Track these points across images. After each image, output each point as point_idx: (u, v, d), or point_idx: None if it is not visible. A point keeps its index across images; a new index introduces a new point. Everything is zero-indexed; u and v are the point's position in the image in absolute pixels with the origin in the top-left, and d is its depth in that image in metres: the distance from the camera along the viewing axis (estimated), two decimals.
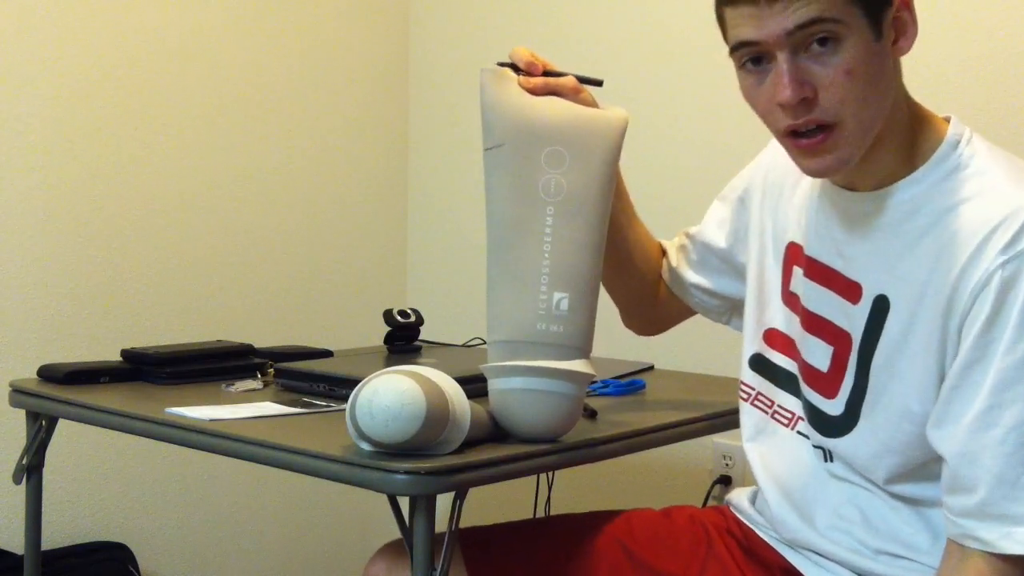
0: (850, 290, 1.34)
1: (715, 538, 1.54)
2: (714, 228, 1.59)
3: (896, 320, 1.28)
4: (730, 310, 1.62)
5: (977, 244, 1.21)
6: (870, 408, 1.32)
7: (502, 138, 1.40)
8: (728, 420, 1.69)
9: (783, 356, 1.45)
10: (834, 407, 1.36)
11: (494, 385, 1.41)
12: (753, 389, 1.50)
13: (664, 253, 1.67)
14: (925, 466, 1.30)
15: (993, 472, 1.19)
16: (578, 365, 1.38)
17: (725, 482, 2.33)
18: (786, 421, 1.45)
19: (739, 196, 1.56)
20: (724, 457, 2.34)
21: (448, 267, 2.85)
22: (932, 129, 1.30)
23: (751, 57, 1.25)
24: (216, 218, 2.55)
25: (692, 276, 1.62)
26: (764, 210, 1.50)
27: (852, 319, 1.33)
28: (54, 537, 2.26)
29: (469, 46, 2.79)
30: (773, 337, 1.47)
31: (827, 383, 1.36)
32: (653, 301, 1.67)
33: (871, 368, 1.31)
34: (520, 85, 1.43)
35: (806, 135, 1.24)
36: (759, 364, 1.49)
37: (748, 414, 1.51)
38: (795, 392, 1.44)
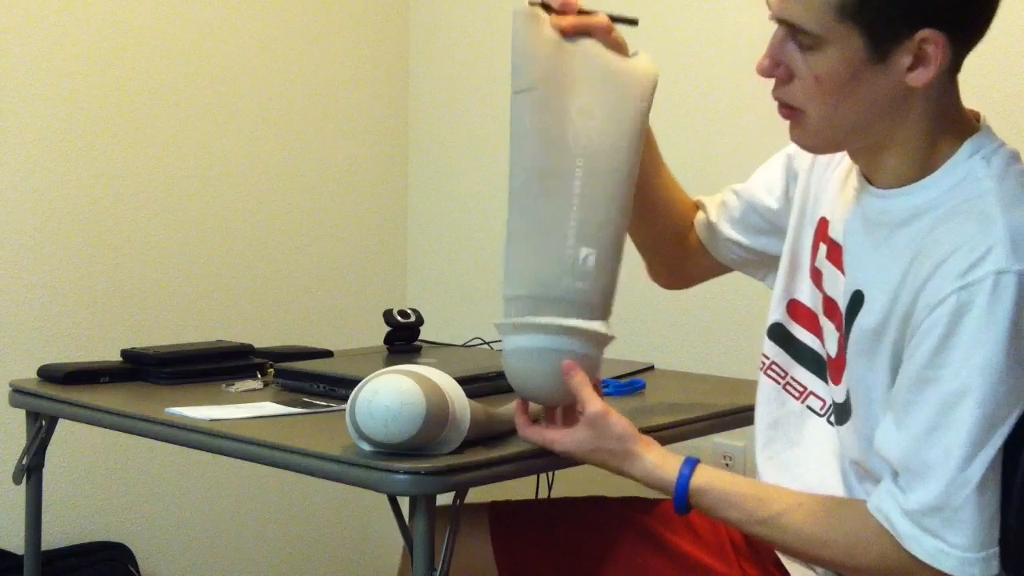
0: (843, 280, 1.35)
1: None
2: (762, 188, 1.56)
3: (869, 316, 1.27)
4: (766, 267, 1.59)
5: (942, 259, 1.19)
6: (855, 397, 1.32)
7: (533, 82, 1.34)
8: (728, 420, 1.70)
9: (806, 332, 1.44)
10: (839, 393, 1.35)
11: (512, 342, 1.33)
12: (767, 358, 1.49)
13: (699, 207, 1.63)
14: None
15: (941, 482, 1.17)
16: (601, 327, 1.34)
17: None
18: (797, 394, 1.45)
19: (788, 153, 1.53)
20: (724, 457, 2.34)
21: (448, 267, 2.85)
22: (954, 138, 1.27)
23: None
24: (216, 218, 2.55)
25: (730, 232, 1.58)
26: (811, 176, 1.48)
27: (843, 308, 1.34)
28: (54, 537, 2.26)
29: (469, 46, 2.79)
30: (796, 309, 1.46)
31: (835, 369, 1.36)
32: (681, 252, 1.64)
33: (848, 357, 1.31)
34: (552, 25, 1.38)
35: (782, 104, 1.29)
36: (777, 334, 1.48)
37: (761, 383, 1.50)
38: (813, 370, 1.42)
